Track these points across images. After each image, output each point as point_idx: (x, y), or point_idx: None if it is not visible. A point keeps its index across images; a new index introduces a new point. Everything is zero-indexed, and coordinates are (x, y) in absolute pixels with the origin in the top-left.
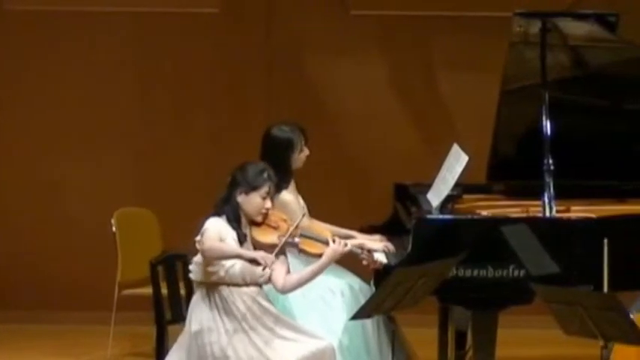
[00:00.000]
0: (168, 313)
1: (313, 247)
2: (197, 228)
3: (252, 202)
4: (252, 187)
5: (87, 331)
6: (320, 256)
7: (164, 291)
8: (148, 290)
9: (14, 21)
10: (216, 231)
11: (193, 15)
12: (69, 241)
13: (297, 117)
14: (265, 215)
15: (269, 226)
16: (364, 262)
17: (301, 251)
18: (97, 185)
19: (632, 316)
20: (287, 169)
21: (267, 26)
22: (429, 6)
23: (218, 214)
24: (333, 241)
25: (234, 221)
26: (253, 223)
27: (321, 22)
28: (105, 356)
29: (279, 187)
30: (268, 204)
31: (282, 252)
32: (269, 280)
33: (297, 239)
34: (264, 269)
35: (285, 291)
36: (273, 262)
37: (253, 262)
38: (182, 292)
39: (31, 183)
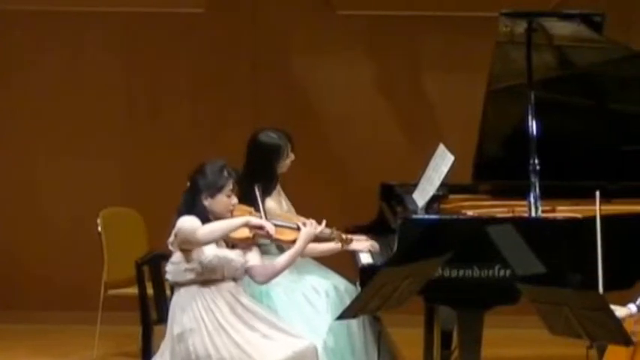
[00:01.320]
0: (154, 313)
1: (285, 234)
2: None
3: (219, 202)
4: (217, 189)
5: (73, 331)
6: (294, 242)
7: (150, 291)
8: (133, 290)
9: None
10: (193, 220)
11: (178, 15)
12: (54, 240)
13: (282, 117)
14: (232, 212)
15: None
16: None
17: (274, 240)
18: (82, 185)
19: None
20: (273, 175)
21: (253, 26)
22: (416, 6)
23: (183, 215)
24: (304, 225)
25: (206, 222)
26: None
27: (307, 21)
28: (91, 356)
29: (264, 193)
30: (234, 200)
31: (254, 244)
32: (245, 273)
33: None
34: (270, 237)
35: (264, 280)
36: (274, 231)
37: (257, 228)
38: (167, 292)
39: (16, 182)
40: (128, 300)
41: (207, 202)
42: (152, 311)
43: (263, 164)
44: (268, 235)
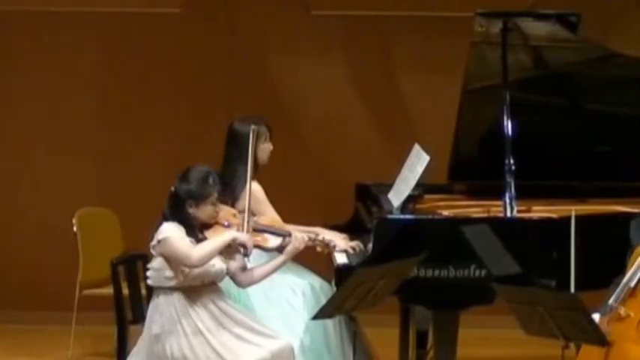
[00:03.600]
0: (129, 313)
1: (269, 242)
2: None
3: (203, 211)
4: (202, 199)
5: (48, 331)
6: (275, 249)
7: (125, 291)
8: (109, 290)
9: None
10: (180, 236)
11: (155, 15)
12: (30, 240)
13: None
14: (216, 216)
15: (221, 224)
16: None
17: (256, 247)
18: (58, 185)
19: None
20: (254, 159)
21: (229, 26)
22: (391, 6)
23: (168, 220)
24: (295, 237)
25: (191, 230)
26: (204, 226)
27: (282, 22)
28: (66, 356)
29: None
30: (219, 207)
31: (236, 251)
32: (227, 275)
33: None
34: (246, 255)
35: (246, 286)
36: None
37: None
38: (143, 292)
39: None
40: (103, 300)
41: (191, 210)
42: (128, 311)
43: (241, 149)
44: (247, 254)
